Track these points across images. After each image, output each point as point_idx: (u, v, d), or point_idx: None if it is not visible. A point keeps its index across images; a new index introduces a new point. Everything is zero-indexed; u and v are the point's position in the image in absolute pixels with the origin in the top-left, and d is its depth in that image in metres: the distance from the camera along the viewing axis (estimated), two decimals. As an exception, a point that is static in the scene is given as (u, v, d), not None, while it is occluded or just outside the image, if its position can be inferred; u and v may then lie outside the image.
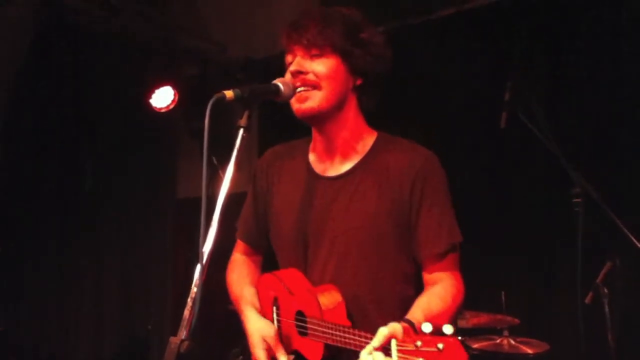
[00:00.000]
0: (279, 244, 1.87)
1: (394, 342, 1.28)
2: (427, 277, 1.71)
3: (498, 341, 3.11)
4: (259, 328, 1.78)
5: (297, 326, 1.72)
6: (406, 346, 1.26)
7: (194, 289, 1.35)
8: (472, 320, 3.18)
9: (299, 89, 1.67)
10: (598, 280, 2.76)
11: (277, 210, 1.86)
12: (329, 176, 1.77)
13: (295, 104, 1.70)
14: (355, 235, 1.70)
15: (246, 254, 2.03)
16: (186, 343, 1.29)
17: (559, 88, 3.72)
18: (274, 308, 1.82)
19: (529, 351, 3.03)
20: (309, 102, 1.68)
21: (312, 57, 1.68)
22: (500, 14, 3.87)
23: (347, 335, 1.52)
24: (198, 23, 5.15)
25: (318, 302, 1.63)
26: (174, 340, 1.30)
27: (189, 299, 1.35)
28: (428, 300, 1.61)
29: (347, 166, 1.76)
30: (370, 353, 1.36)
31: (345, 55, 1.69)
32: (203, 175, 1.37)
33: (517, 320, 3.15)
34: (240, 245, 2.04)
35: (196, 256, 1.38)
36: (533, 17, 3.80)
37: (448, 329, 1.24)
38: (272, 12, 4.67)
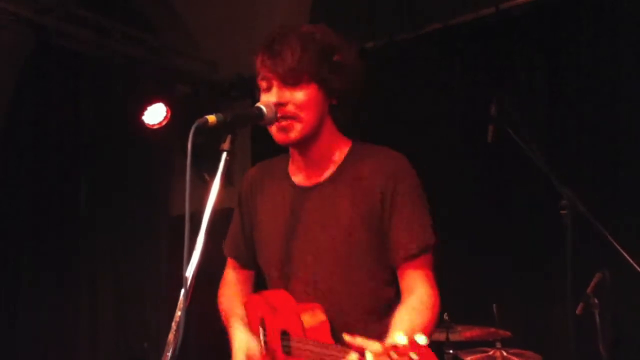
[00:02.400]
0: (264, 260, 1.89)
1: (368, 354, 1.30)
2: (401, 280, 1.73)
3: (491, 353, 3.12)
4: (243, 346, 1.80)
5: (282, 345, 1.74)
6: (382, 357, 1.28)
7: (178, 313, 1.37)
8: (464, 333, 3.19)
9: (278, 118, 1.69)
10: (588, 291, 2.78)
11: (264, 228, 1.88)
12: (308, 186, 1.81)
13: (276, 134, 1.73)
14: (333, 244, 1.73)
15: (237, 269, 2.05)
16: (169, 367, 1.30)
17: (550, 100, 3.77)
18: (261, 329, 1.84)
19: (522, 363, 3.04)
20: (291, 133, 1.71)
21: (289, 86, 1.69)
22: (486, 29, 3.93)
23: (329, 352, 1.54)
24: (188, 43, 5.20)
25: (301, 321, 1.65)
26: (157, 365, 1.31)
27: (173, 323, 1.36)
28: (409, 318, 1.62)
29: (324, 176, 1.80)
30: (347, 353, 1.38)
31: (320, 82, 1.71)
32: (186, 199, 1.39)
33: (509, 333, 3.16)
34: (230, 262, 2.06)
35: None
36: (522, 31, 3.86)
37: (421, 339, 1.25)
38: (261, 30, 4.72)
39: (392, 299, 1.74)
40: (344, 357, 1.45)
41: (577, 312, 2.76)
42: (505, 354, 3.09)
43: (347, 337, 1.41)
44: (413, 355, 1.23)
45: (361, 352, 1.36)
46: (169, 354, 1.32)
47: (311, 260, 1.75)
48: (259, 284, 2.05)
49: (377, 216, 1.71)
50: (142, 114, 4.82)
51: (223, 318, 1.98)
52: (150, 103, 4.80)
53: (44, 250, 5.75)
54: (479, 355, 3.11)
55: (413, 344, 1.25)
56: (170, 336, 1.35)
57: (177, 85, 5.24)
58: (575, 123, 3.65)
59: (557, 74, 3.75)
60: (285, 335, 1.73)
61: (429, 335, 1.54)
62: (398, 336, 1.26)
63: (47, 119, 5.56)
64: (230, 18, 4.99)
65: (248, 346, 1.80)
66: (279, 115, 1.68)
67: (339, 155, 1.81)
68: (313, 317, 1.66)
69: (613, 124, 3.55)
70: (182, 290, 1.39)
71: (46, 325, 5.71)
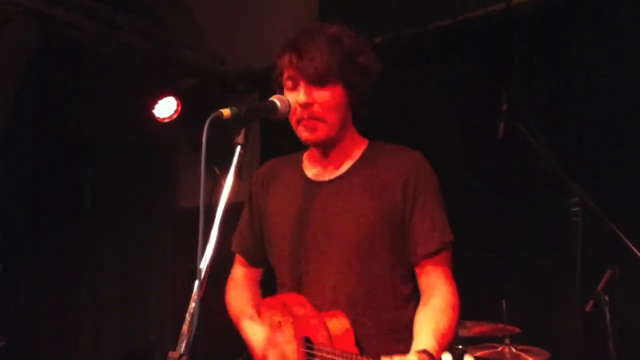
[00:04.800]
0: (276, 255, 1.88)
1: None
2: (420, 277, 1.74)
3: (499, 349, 3.12)
4: (263, 336, 1.80)
5: (304, 353, 1.71)
6: None
7: (192, 304, 1.37)
8: (473, 329, 3.19)
9: (305, 118, 1.72)
10: (599, 289, 2.77)
11: (275, 223, 1.88)
12: (323, 180, 1.82)
13: (303, 133, 1.76)
14: (351, 239, 1.73)
15: (245, 266, 2.04)
16: (184, 358, 1.30)
17: (557, 97, 3.75)
18: (278, 334, 1.81)
19: (530, 359, 3.03)
20: (317, 132, 1.75)
21: (317, 86, 1.71)
22: (496, 25, 3.90)
23: None
24: (197, 37, 5.20)
25: (327, 328, 1.64)
26: (172, 356, 1.31)
27: (187, 314, 1.36)
28: (434, 319, 1.62)
29: (340, 171, 1.81)
30: None
31: (345, 83, 1.73)
32: (201, 196, 1.39)
33: (518, 329, 3.15)
34: (239, 258, 2.05)
35: (196, 268, 1.39)
36: (529, 28, 3.84)
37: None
38: (270, 24, 4.72)
39: (410, 295, 1.74)
40: None
41: (587, 309, 2.75)
42: (514, 350, 3.09)
43: None
44: None
45: None
46: (183, 345, 1.32)
47: (327, 252, 1.75)
48: (265, 283, 2.06)
49: (397, 213, 1.73)
50: (149, 107, 4.83)
51: (233, 319, 1.97)
52: (158, 96, 4.82)
53: (49, 242, 5.77)
54: (487, 351, 3.11)
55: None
56: (184, 327, 1.35)
57: (184, 78, 5.24)
58: (585, 120, 3.63)
59: (567, 69, 3.72)
60: (307, 342, 1.70)
61: (454, 332, 1.55)
62: (444, 356, 1.26)
63: (53, 112, 5.56)
64: (238, 12, 4.99)
65: (267, 336, 1.79)
66: (305, 115, 1.71)
67: (356, 153, 1.83)
68: (338, 325, 1.65)
69: (624, 121, 3.53)
70: (196, 282, 1.39)
71: (51, 317, 5.74)
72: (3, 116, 4.49)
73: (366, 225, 1.72)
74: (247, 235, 1.99)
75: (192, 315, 1.36)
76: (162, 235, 5.60)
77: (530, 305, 3.63)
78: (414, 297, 1.74)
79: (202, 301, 1.38)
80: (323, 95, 1.71)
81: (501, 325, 3.14)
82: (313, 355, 1.67)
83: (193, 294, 1.39)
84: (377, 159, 1.80)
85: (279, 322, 1.81)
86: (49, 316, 5.74)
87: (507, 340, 3.13)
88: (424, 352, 1.48)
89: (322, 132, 1.74)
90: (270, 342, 1.80)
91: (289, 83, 1.75)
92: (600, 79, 3.59)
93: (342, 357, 1.57)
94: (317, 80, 1.70)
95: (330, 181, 1.81)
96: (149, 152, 5.54)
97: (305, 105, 1.71)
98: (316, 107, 1.72)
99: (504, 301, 3.11)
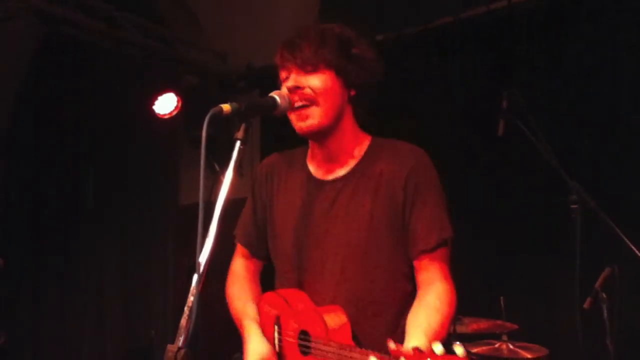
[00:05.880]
0: (279, 251, 1.89)
1: None
2: (418, 272, 1.75)
3: (497, 346, 3.13)
4: (257, 350, 1.80)
5: (300, 346, 1.73)
6: None
7: (191, 298, 1.38)
8: (471, 325, 3.20)
9: (297, 105, 1.72)
10: (597, 286, 2.77)
11: (279, 217, 1.89)
12: (327, 180, 1.83)
13: (296, 123, 1.76)
14: (354, 237, 1.74)
15: (247, 258, 2.05)
16: (182, 351, 1.32)
17: (557, 95, 3.75)
18: (276, 327, 1.83)
19: (528, 356, 3.04)
20: (310, 120, 1.74)
21: (307, 72, 1.73)
22: (498, 23, 3.91)
23: (354, 355, 1.55)
24: (198, 34, 5.21)
25: (324, 322, 1.65)
26: (171, 348, 1.33)
27: (185, 308, 1.38)
28: (426, 317, 1.63)
29: (344, 170, 1.82)
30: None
31: (338, 70, 1.74)
32: (200, 186, 1.40)
33: (516, 326, 3.16)
34: (240, 250, 2.06)
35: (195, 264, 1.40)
36: (531, 25, 3.84)
37: (459, 350, 1.25)
38: (271, 22, 4.72)
39: (410, 293, 1.75)
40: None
41: (585, 306, 2.76)
42: (511, 347, 3.10)
43: (391, 345, 1.40)
44: None
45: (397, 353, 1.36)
46: (181, 338, 1.33)
47: (329, 251, 1.76)
48: (264, 277, 2.06)
49: (399, 212, 1.74)
50: (150, 104, 4.83)
51: (234, 317, 1.98)
52: (159, 93, 4.82)
53: (50, 238, 5.79)
54: (485, 348, 3.12)
55: (450, 352, 1.24)
56: (183, 321, 1.36)
57: (185, 76, 5.25)
58: (585, 117, 3.64)
59: (568, 67, 3.73)
60: (304, 335, 1.72)
61: (447, 330, 1.56)
62: (435, 346, 1.26)
63: (54, 109, 5.58)
64: (239, 10, 4.99)
65: (262, 349, 1.80)
66: (296, 99, 1.71)
67: (359, 151, 1.83)
68: (335, 319, 1.67)
69: (624, 118, 3.53)
70: (195, 276, 1.40)
71: (52, 314, 5.76)
72: (6, 111, 4.51)
73: (368, 225, 1.73)
74: (250, 228, 2.00)
75: (191, 309, 1.37)
76: (163, 232, 5.61)
77: (529, 302, 3.64)
78: (414, 296, 1.74)
79: (201, 295, 1.39)
80: (313, 80, 1.72)
81: (499, 322, 3.15)
82: (309, 347, 1.69)
83: (192, 288, 1.40)
84: (380, 157, 1.80)
85: (277, 316, 1.83)
86: (49, 313, 5.76)
87: (505, 337, 3.14)
88: (416, 349, 1.50)
89: (315, 119, 1.73)
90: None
91: (283, 74, 1.77)
92: (601, 75, 3.59)
93: (338, 348, 1.59)
94: (307, 68, 1.72)
95: (334, 180, 1.82)
96: (150, 150, 5.55)
97: (294, 89, 1.72)
98: (307, 90, 1.72)
99: (502, 298, 3.12)
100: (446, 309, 1.67)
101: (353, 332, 1.67)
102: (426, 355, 1.26)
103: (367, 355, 1.47)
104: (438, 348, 1.25)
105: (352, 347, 1.56)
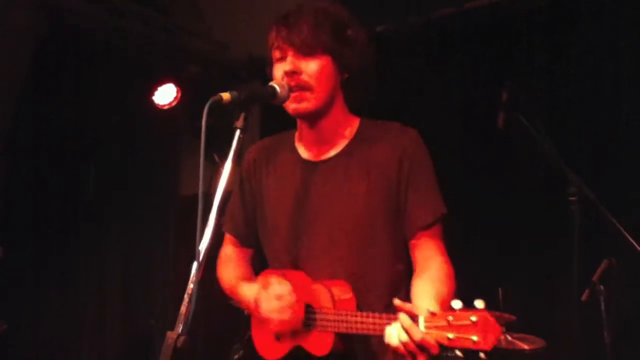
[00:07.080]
0: (271, 232, 1.89)
1: (421, 318, 1.31)
2: (415, 250, 1.78)
3: (495, 338, 3.13)
4: (277, 291, 1.78)
5: (305, 319, 1.73)
6: (437, 322, 1.26)
7: (191, 286, 1.39)
8: (469, 317, 3.21)
9: (293, 89, 1.73)
10: (595, 278, 2.79)
11: (270, 201, 1.90)
12: (319, 161, 1.84)
13: (291, 105, 1.76)
14: (347, 218, 1.76)
15: (236, 246, 2.06)
16: (182, 338, 1.33)
17: (557, 88, 3.75)
18: (275, 286, 1.81)
19: (525, 347, 3.04)
20: (305, 103, 1.75)
21: (304, 56, 1.73)
22: (500, 14, 3.90)
23: (364, 320, 1.57)
24: (200, 24, 5.19)
25: (331, 293, 1.67)
26: (171, 335, 1.34)
27: (185, 295, 1.39)
28: (434, 286, 1.66)
29: (335, 150, 1.83)
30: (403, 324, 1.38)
31: (334, 55, 1.75)
32: (200, 175, 1.41)
33: (513, 317, 3.17)
34: (229, 239, 2.07)
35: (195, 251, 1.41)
36: (532, 17, 3.83)
37: (480, 304, 1.23)
38: (274, 11, 4.69)
39: (403, 273, 1.78)
40: (387, 324, 1.47)
41: (583, 298, 2.77)
42: (509, 338, 3.10)
43: (397, 302, 1.43)
44: (473, 317, 1.20)
45: (413, 316, 1.37)
46: (181, 325, 1.34)
47: (323, 232, 1.78)
48: (256, 265, 2.07)
49: (392, 191, 1.76)
50: (151, 94, 4.82)
51: (227, 291, 2.00)
52: (160, 83, 4.81)
53: (51, 229, 5.79)
54: (483, 339, 3.12)
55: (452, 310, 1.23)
56: (183, 308, 1.37)
57: (186, 65, 5.24)
58: (585, 111, 3.63)
59: (568, 60, 3.72)
60: (309, 308, 1.73)
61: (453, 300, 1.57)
62: (454, 302, 1.25)
63: (53, 99, 5.56)
64: (242, -1, 4.97)
65: (281, 290, 1.78)
66: (292, 84, 1.72)
67: (349, 131, 1.85)
68: (342, 292, 1.68)
69: (624, 112, 3.53)
70: (195, 263, 1.41)
71: (52, 303, 5.77)
72: (8, 103, 4.50)
73: (363, 205, 1.75)
74: (238, 217, 2.00)
75: (191, 296, 1.38)
76: (164, 222, 5.62)
77: (526, 293, 3.65)
78: (407, 276, 1.77)
79: (200, 283, 1.40)
80: (311, 65, 1.73)
81: (497, 314, 3.16)
82: (314, 320, 1.70)
83: (191, 276, 1.41)
84: (372, 137, 1.82)
85: (276, 281, 1.81)
86: (50, 303, 5.77)
87: (503, 329, 3.14)
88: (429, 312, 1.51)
89: (310, 103, 1.75)
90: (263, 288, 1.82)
91: (277, 53, 1.77)
92: (602, 69, 3.58)
93: (346, 316, 1.60)
94: (305, 51, 1.72)
95: (325, 161, 1.83)
96: (151, 140, 5.54)
97: (291, 73, 1.72)
98: (304, 76, 1.73)
99: (500, 289, 3.13)
100: (450, 281, 1.70)
101: (358, 307, 1.68)
102: (446, 315, 1.24)
103: (391, 319, 1.46)
104: (457, 304, 1.24)
105: (363, 313, 1.57)
